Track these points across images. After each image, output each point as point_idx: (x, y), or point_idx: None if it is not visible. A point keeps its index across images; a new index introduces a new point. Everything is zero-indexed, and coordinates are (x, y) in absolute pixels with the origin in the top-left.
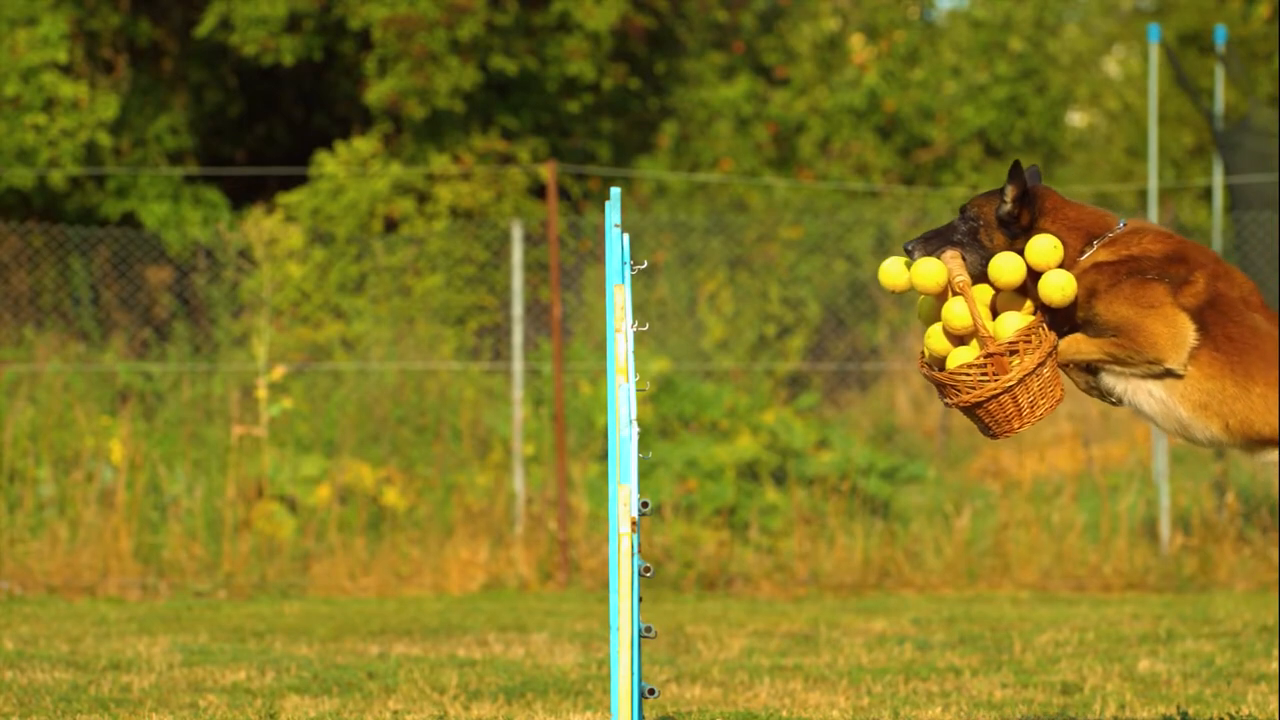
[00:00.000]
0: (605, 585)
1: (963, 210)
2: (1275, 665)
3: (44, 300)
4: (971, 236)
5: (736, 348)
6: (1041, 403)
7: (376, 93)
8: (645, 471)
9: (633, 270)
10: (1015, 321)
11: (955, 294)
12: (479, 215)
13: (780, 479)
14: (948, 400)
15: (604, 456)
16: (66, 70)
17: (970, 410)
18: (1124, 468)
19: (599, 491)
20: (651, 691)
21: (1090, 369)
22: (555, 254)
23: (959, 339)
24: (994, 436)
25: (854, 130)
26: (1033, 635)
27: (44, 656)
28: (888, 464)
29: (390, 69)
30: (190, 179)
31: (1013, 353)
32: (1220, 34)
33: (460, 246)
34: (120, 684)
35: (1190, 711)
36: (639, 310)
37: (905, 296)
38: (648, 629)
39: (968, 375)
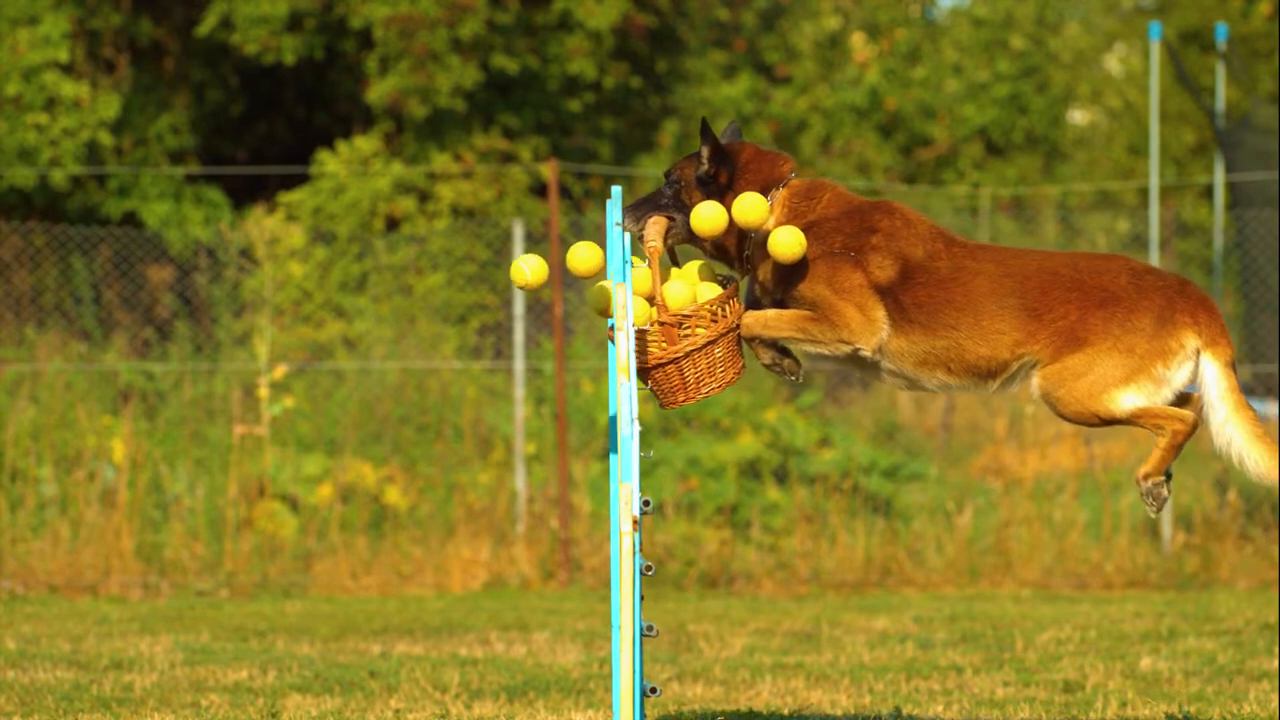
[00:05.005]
0: (607, 584)
1: (667, 174)
2: (1276, 663)
3: (45, 300)
4: (676, 200)
5: None
6: (709, 380)
7: (378, 91)
8: (647, 470)
9: (634, 270)
10: (685, 292)
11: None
12: (480, 214)
13: (782, 477)
14: None
15: (606, 455)
16: (68, 69)
17: (642, 377)
18: (1125, 465)
19: (601, 490)
20: (653, 690)
21: (779, 347)
22: (557, 252)
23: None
24: (664, 407)
25: (855, 128)
26: (1034, 633)
27: (46, 655)
28: (889, 462)
29: (391, 68)
30: (192, 178)
31: (682, 325)
32: (1221, 32)
33: (462, 245)
34: (122, 683)
35: (1192, 709)
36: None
37: None
38: (649, 627)
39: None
